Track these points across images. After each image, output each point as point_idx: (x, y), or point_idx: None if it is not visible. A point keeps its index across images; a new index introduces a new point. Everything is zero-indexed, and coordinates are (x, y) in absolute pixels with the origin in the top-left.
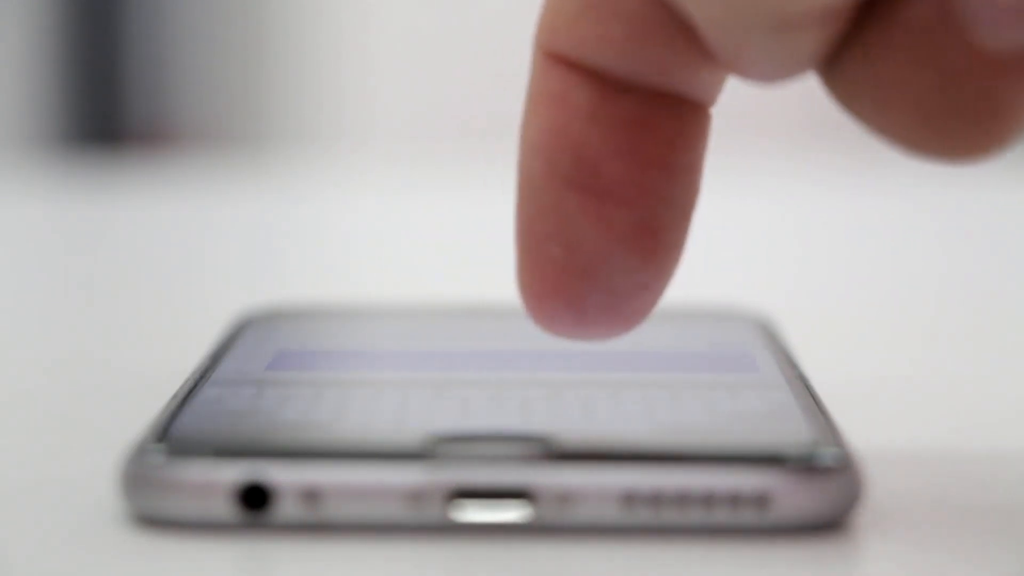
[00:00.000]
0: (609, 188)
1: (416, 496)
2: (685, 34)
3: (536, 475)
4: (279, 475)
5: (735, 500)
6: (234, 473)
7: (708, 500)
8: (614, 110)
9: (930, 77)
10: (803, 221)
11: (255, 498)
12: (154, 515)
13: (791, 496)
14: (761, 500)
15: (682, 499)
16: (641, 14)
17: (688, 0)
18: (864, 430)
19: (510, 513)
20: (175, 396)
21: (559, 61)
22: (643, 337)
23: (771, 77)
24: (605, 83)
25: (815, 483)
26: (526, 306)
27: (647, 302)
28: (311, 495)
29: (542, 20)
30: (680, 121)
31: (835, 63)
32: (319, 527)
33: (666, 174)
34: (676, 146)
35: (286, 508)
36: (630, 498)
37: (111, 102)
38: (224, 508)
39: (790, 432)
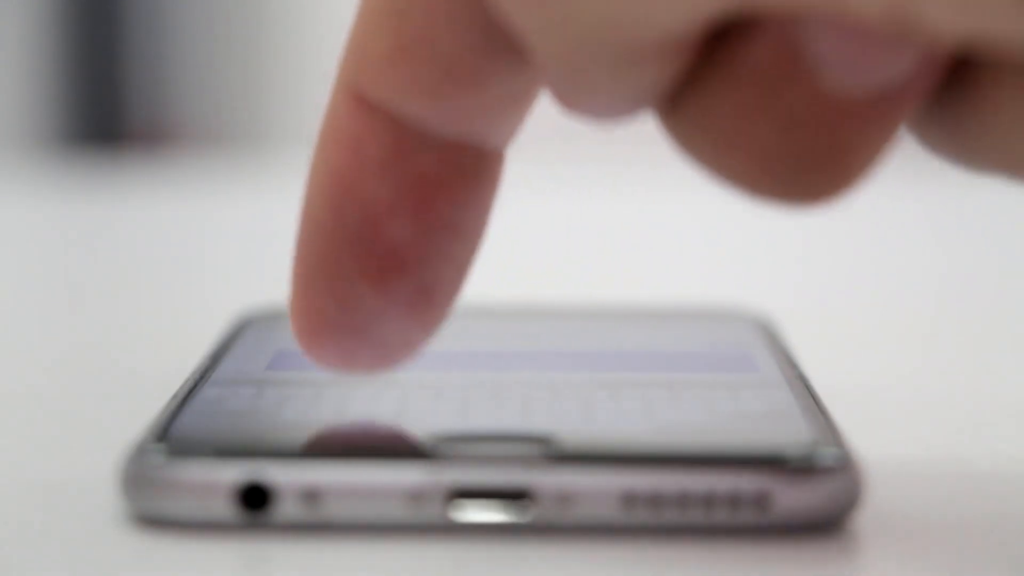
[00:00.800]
0: (391, 252)
1: (416, 496)
2: (499, 78)
3: (536, 475)
4: (279, 475)
5: (735, 500)
6: (234, 473)
7: (708, 500)
8: (408, 164)
9: (771, 122)
10: (803, 221)
11: (255, 498)
12: (154, 515)
13: (791, 496)
14: (761, 500)
15: (682, 499)
16: (457, 58)
17: (529, 33)
18: (864, 431)
19: (510, 513)
20: (175, 396)
21: (360, 103)
22: (643, 337)
23: (608, 115)
24: (403, 133)
25: (815, 483)
26: (296, 339)
27: (415, 348)
28: (311, 495)
29: (347, 57)
30: (475, 176)
31: (674, 104)
32: (319, 527)
33: (452, 235)
34: (467, 204)
35: (286, 508)
36: (630, 498)
37: (111, 102)
38: (224, 508)
39: (790, 432)
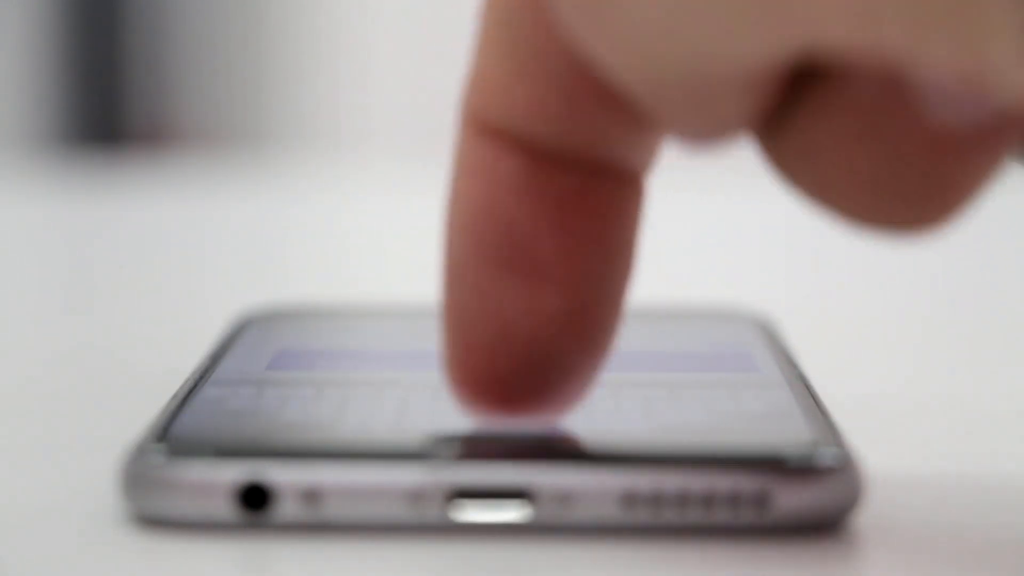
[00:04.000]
0: (540, 268)
1: (416, 496)
2: (618, 100)
3: (536, 475)
4: (279, 475)
5: (735, 500)
6: (234, 473)
7: (708, 500)
8: (545, 183)
9: (873, 154)
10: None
11: (255, 498)
12: (154, 515)
13: (791, 496)
14: (761, 500)
15: (682, 499)
16: (574, 80)
17: (614, 71)
18: (864, 430)
19: (510, 513)
20: (175, 396)
21: (487, 131)
22: (643, 337)
23: (703, 140)
24: (536, 155)
25: (815, 483)
26: (451, 387)
27: (579, 385)
28: (311, 495)
29: (469, 89)
30: (612, 196)
31: (773, 131)
32: (319, 527)
33: (599, 254)
34: (610, 221)
35: (286, 508)
36: (630, 498)
37: (111, 102)
38: (224, 508)
39: (790, 432)
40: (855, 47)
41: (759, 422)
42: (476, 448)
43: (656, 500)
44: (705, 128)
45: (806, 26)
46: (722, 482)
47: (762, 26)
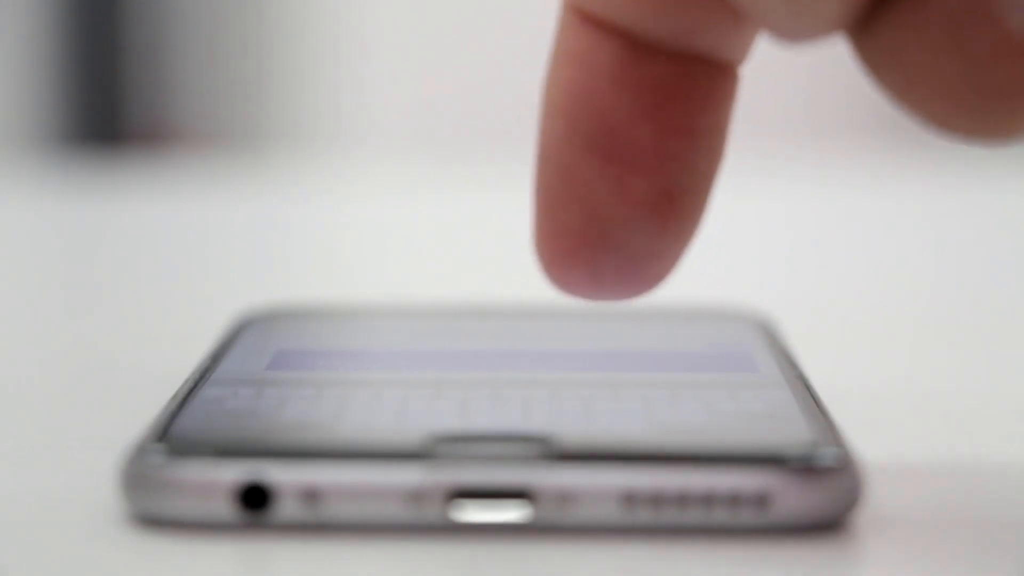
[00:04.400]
0: (631, 154)
1: (416, 496)
2: None
3: (536, 475)
4: (279, 475)
5: (735, 500)
6: (234, 473)
7: (708, 500)
8: (640, 73)
9: (959, 59)
10: (803, 221)
11: (255, 498)
12: (154, 515)
13: (791, 496)
14: (761, 500)
15: (682, 499)
16: None
17: None
18: (864, 431)
19: (510, 513)
20: (175, 396)
21: (585, 19)
22: (643, 337)
23: (797, 37)
24: (631, 44)
25: (815, 483)
26: (541, 267)
27: (665, 267)
28: (311, 495)
29: None
30: (707, 84)
31: (865, 31)
32: (319, 527)
33: (690, 140)
34: (702, 111)
35: (286, 508)
36: (630, 498)
37: (111, 102)
38: (224, 508)
39: (790, 432)
40: None
41: (759, 422)
42: (476, 448)
43: (656, 500)
44: (800, 26)
45: None
46: (722, 482)
47: None
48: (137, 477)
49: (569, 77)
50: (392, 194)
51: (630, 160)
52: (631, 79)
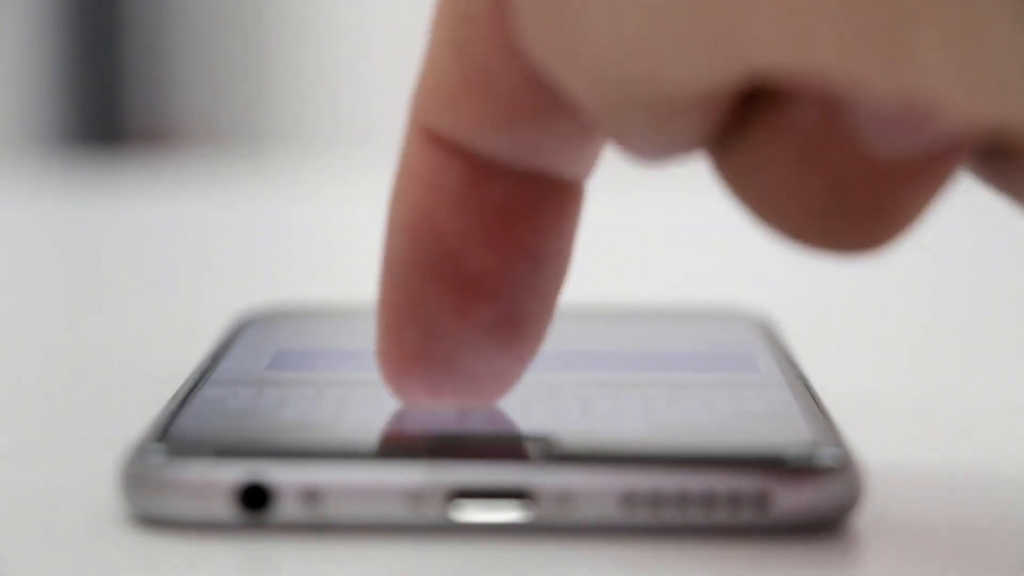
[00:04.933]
0: (472, 280)
1: (416, 496)
2: (565, 113)
3: (536, 475)
4: (279, 475)
5: (735, 500)
6: (234, 473)
7: (708, 500)
8: (484, 196)
9: (816, 179)
10: None
11: (255, 498)
12: (154, 515)
13: (791, 496)
14: (761, 500)
15: (682, 499)
16: (521, 93)
17: (564, 84)
18: (864, 430)
19: (510, 513)
20: (175, 396)
21: (433, 139)
22: (643, 337)
23: (655, 156)
24: (477, 166)
25: (815, 483)
26: (382, 378)
27: (505, 385)
28: (311, 495)
29: (418, 95)
30: (552, 205)
31: (722, 149)
32: (319, 527)
33: (534, 264)
34: (545, 233)
35: (286, 508)
36: (630, 498)
37: (111, 102)
38: (224, 508)
39: (790, 432)
40: (793, 71)
41: (759, 422)
42: (476, 448)
43: (656, 500)
44: (657, 144)
45: (748, 49)
46: (722, 482)
47: (710, 49)
48: (137, 477)
49: (412, 198)
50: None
51: (472, 285)
52: (475, 201)
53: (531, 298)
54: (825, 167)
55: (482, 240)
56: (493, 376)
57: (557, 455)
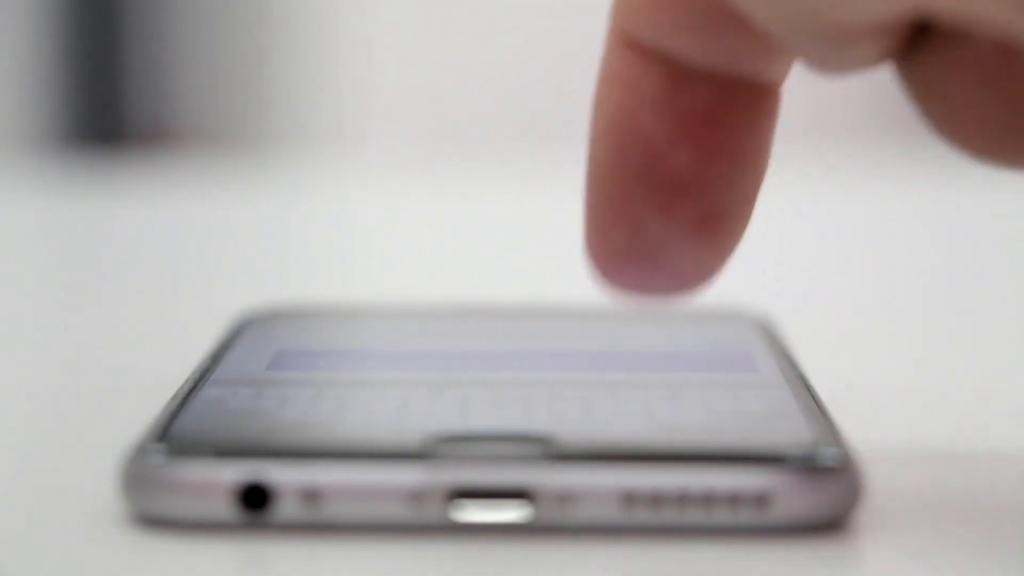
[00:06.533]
0: (675, 179)
1: (416, 496)
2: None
3: (536, 475)
4: (279, 475)
5: (735, 500)
6: (234, 473)
7: (708, 500)
8: (683, 99)
9: (997, 101)
10: (803, 221)
11: (255, 498)
12: (154, 515)
13: (791, 496)
14: (761, 500)
15: (682, 499)
16: (715, 5)
17: (751, 15)
18: (864, 430)
19: (510, 513)
20: (175, 396)
21: (631, 45)
22: (643, 337)
23: (838, 71)
24: (675, 70)
25: (815, 483)
26: (594, 274)
27: (708, 276)
28: (311, 495)
29: (616, 4)
30: (749, 107)
31: (907, 63)
32: (319, 527)
33: (733, 163)
34: (744, 134)
35: (286, 508)
36: (630, 498)
37: (111, 102)
38: (224, 508)
39: (790, 432)
40: (959, 18)
41: (759, 422)
42: (476, 448)
43: (656, 500)
44: (839, 63)
45: None
46: (722, 482)
47: None
48: (137, 477)
49: (614, 102)
50: (392, 194)
51: (674, 184)
52: (674, 104)
53: (731, 195)
54: (1002, 91)
55: (683, 141)
56: (696, 269)
57: (557, 455)
